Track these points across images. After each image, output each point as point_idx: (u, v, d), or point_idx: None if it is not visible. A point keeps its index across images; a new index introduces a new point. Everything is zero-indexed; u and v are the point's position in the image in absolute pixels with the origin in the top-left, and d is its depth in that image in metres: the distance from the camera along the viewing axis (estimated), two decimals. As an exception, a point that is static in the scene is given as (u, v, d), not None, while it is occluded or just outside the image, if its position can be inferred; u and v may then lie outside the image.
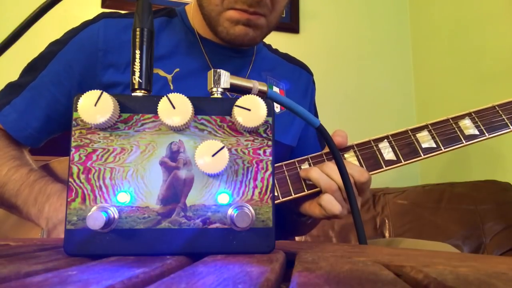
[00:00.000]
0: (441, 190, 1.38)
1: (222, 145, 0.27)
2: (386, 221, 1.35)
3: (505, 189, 1.32)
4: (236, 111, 0.28)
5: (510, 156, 1.37)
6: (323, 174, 0.55)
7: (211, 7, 0.64)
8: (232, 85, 0.35)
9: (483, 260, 0.25)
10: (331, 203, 0.54)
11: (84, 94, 0.27)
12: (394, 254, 0.28)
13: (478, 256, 0.36)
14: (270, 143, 0.30)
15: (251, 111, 0.28)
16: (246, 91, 0.38)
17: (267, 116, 0.29)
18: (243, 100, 0.28)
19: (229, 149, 0.29)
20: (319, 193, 0.57)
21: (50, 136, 0.71)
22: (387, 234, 1.33)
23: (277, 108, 0.77)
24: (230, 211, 0.28)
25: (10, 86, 0.69)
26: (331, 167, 0.55)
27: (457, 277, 0.17)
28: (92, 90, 0.27)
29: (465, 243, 1.27)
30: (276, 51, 0.87)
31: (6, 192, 0.62)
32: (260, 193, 0.29)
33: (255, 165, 0.29)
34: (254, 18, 0.64)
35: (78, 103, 0.27)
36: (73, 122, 0.28)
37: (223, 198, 0.28)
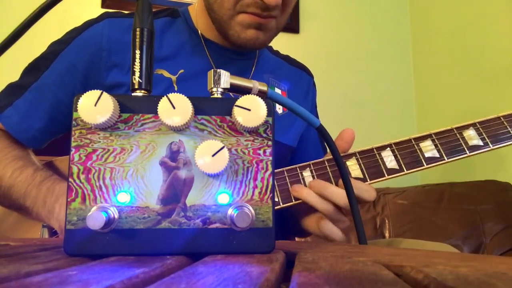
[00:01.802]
0: (441, 190, 1.38)
1: (222, 145, 0.27)
2: (386, 221, 1.35)
3: (505, 189, 1.32)
4: (236, 111, 0.28)
5: (510, 156, 1.37)
6: (317, 196, 0.54)
7: (224, 11, 0.64)
8: (232, 85, 0.35)
9: (483, 260, 0.25)
10: (332, 232, 0.55)
11: (84, 94, 0.27)
12: (394, 254, 0.28)
13: (478, 256, 0.36)
14: (270, 143, 0.30)
15: (251, 111, 0.28)
16: (246, 91, 0.38)
17: (267, 116, 0.29)
18: (243, 100, 0.28)
19: (229, 149, 0.29)
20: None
21: (53, 137, 0.71)
22: (387, 234, 1.33)
23: (279, 109, 0.77)
24: (230, 211, 0.28)
25: (12, 87, 0.69)
26: (321, 186, 0.54)
27: (457, 277, 0.17)
28: (92, 90, 0.27)
29: (465, 243, 1.27)
30: (277, 53, 0.87)
31: (13, 194, 0.62)
32: (260, 193, 0.29)
33: (255, 165, 0.29)
34: (266, 21, 0.64)
35: (78, 103, 0.27)
36: (73, 122, 0.28)
37: (223, 198, 0.28)
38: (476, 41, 1.53)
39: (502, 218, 1.28)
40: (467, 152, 0.59)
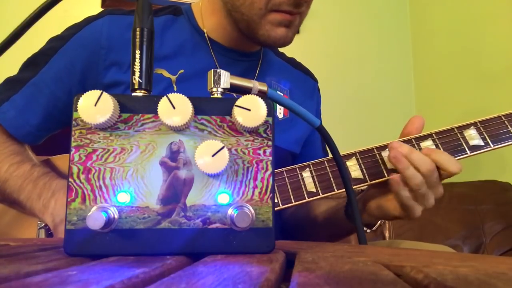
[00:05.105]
0: (441, 190, 1.37)
1: (222, 145, 0.27)
2: (386, 221, 1.34)
3: (505, 189, 1.32)
4: (236, 111, 0.28)
5: (510, 156, 1.37)
6: (411, 166, 0.53)
7: (254, 11, 0.63)
8: (232, 85, 0.35)
9: (483, 260, 0.25)
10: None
11: (84, 94, 0.27)
12: (394, 254, 0.28)
13: (478, 256, 0.36)
14: (270, 143, 0.30)
15: (251, 111, 0.28)
16: (246, 91, 0.38)
17: (267, 116, 0.29)
18: (243, 100, 0.28)
19: (229, 149, 0.29)
20: (383, 186, 0.57)
21: (49, 133, 0.70)
22: (387, 235, 1.33)
23: (280, 114, 0.76)
24: (230, 211, 0.28)
25: (9, 81, 0.68)
26: (420, 159, 0.53)
27: (457, 277, 0.17)
28: (92, 90, 0.27)
29: (465, 243, 1.27)
30: (282, 55, 0.85)
31: (7, 188, 0.61)
32: (260, 193, 0.29)
33: (255, 165, 0.29)
34: (293, 18, 0.64)
35: (78, 103, 0.27)
36: (73, 122, 0.28)
37: (223, 198, 0.28)
38: (476, 41, 1.53)
39: (502, 218, 1.28)
40: (468, 152, 0.59)
